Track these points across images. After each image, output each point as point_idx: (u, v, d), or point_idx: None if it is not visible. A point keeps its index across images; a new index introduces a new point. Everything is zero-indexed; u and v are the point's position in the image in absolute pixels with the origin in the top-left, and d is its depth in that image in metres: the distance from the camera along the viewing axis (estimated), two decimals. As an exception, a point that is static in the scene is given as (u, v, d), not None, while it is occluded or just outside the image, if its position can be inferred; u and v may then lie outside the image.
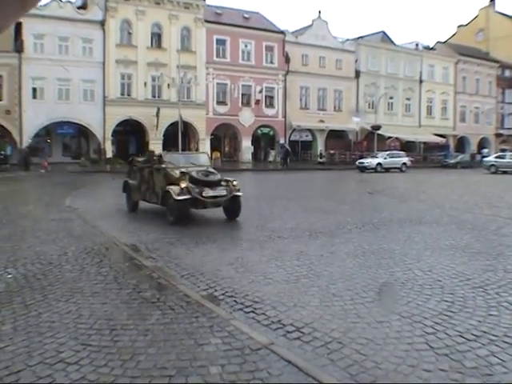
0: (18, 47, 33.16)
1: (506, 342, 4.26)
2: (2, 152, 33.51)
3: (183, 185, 10.45)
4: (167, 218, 10.83)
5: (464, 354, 4.04)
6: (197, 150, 40.60)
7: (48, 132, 36.71)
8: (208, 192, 10.65)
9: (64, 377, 3.57)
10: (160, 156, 12.17)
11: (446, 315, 4.95)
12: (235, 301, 5.35)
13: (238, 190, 11.20)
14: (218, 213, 11.56)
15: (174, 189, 10.50)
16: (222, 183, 11.12)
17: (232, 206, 11.23)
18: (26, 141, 33.31)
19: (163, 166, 11.43)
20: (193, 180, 10.62)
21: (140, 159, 13.43)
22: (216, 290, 5.75)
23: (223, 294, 5.59)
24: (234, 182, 11.26)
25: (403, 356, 4.00)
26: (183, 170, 11.07)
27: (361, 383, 3.55)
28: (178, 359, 3.88)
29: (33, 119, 33.69)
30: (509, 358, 3.97)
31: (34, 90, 34.44)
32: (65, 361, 3.83)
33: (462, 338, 4.38)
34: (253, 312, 5.00)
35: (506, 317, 4.91)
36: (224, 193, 10.92)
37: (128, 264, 7.01)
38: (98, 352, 4.00)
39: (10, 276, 6.31)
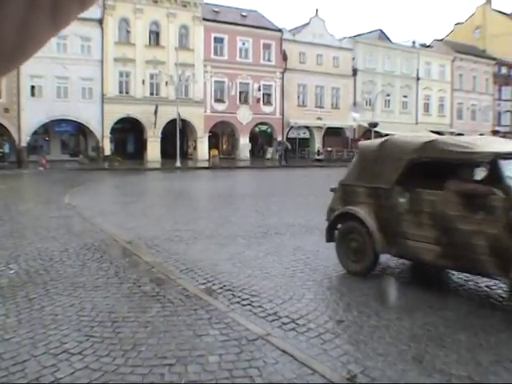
0: (16, 45, 33.16)
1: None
2: (0, 150, 33.53)
3: None
4: None
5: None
6: (194, 147, 40.73)
7: (46, 130, 36.72)
8: None
9: (68, 366, 3.72)
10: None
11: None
12: (233, 294, 5.51)
13: None
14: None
15: None
16: None
17: None
18: (25, 139, 33.35)
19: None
20: None
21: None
22: (214, 284, 5.90)
23: (221, 288, 5.74)
24: None
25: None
26: None
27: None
28: (177, 349, 4.03)
29: (31, 117, 33.67)
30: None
31: (33, 87, 34.40)
32: (69, 351, 3.98)
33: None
34: (250, 305, 5.16)
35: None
36: None
37: (128, 259, 7.15)
38: (100, 343, 4.15)
39: (12, 271, 6.45)
